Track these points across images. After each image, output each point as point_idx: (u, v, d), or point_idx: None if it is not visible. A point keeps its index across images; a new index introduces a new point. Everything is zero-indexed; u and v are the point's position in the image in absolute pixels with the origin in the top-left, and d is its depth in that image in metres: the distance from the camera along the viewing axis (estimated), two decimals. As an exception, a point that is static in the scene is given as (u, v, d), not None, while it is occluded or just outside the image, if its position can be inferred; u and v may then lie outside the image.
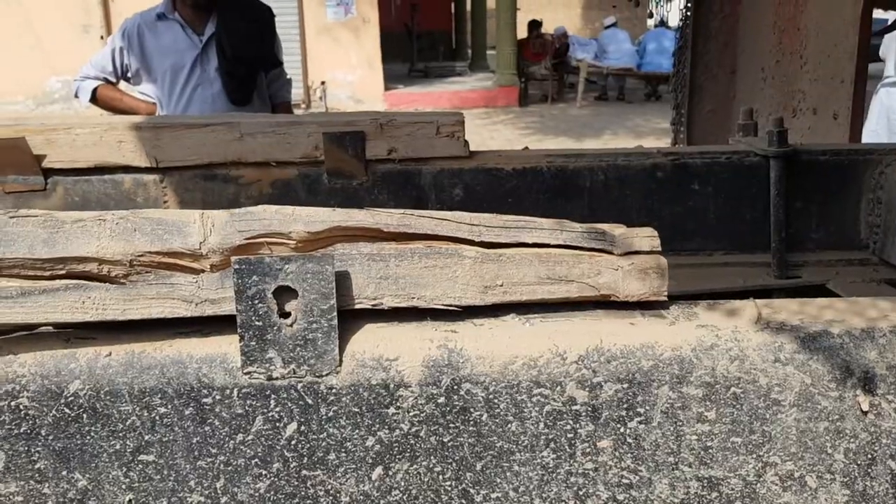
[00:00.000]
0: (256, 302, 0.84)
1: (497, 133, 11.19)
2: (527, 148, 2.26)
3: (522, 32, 14.20)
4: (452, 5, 18.30)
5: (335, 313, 0.85)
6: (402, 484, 0.87)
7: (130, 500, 0.89)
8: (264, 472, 0.88)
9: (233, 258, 0.84)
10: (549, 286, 0.90)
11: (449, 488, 0.87)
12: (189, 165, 1.96)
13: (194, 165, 1.96)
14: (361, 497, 0.87)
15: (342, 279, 0.87)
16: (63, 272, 0.87)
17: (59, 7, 11.37)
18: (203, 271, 0.88)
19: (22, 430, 0.88)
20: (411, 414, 0.85)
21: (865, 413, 0.86)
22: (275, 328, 0.85)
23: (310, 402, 0.86)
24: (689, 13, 3.10)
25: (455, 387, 0.85)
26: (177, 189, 1.98)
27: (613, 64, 13.63)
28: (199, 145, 1.94)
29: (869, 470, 0.87)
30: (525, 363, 0.85)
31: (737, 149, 1.97)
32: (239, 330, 0.85)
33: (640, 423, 0.86)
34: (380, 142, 1.95)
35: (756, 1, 2.97)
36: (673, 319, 0.90)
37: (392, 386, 0.85)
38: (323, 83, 12.51)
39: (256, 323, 0.85)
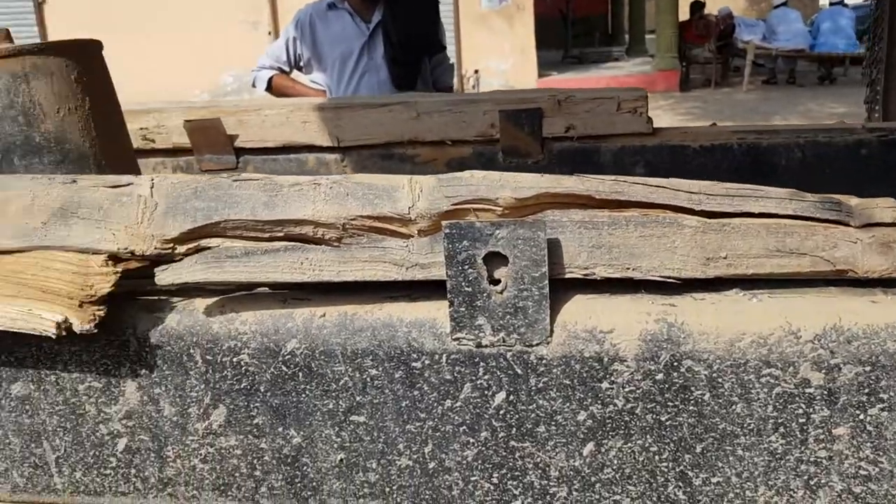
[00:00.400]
0: (466, 267, 0.83)
1: (656, 119, 10.77)
2: (714, 124, 2.14)
3: (683, 15, 13.64)
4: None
5: (546, 281, 0.82)
6: (616, 462, 0.82)
7: (342, 459, 0.90)
8: (472, 440, 0.87)
9: (443, 222, 0.82)
10: (779, 259, 0.82)
11: (665, 469, 0.82)
12: (368, 144, 2.00)
13: (373, 144, 1.99)
14: (571, 472, 0.84)
15: (553, 247, 0.84)
16: (281, 234, 0.89)
17: (230, 5, 12.06)
18: (411, 236, 0.87)
19: (242, 386, 0.91)
20: (626, 389, 0.81)
21: None
22: (484, 294, 0.83)
23: (519, 371, 0.84)
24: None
25: (675, 363, 0.80)
26: (356, 168, 2.02)
27: (783, 45, 12.80)
28: (378, 125, 1.97)
29: None
30: (753, 341, 0.78)
31: (959, 123, 1.78)
32: (449, 295, 0.84)
33: (882, 409, 0.77)
34: (557, 119, 1.90)
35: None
36: None
37: (606, 360, 0.81)
38: (476, 72, 12.57)
39: (466, 289, 0.83)
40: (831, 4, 13.40)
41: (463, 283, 0.83)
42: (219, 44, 11.85)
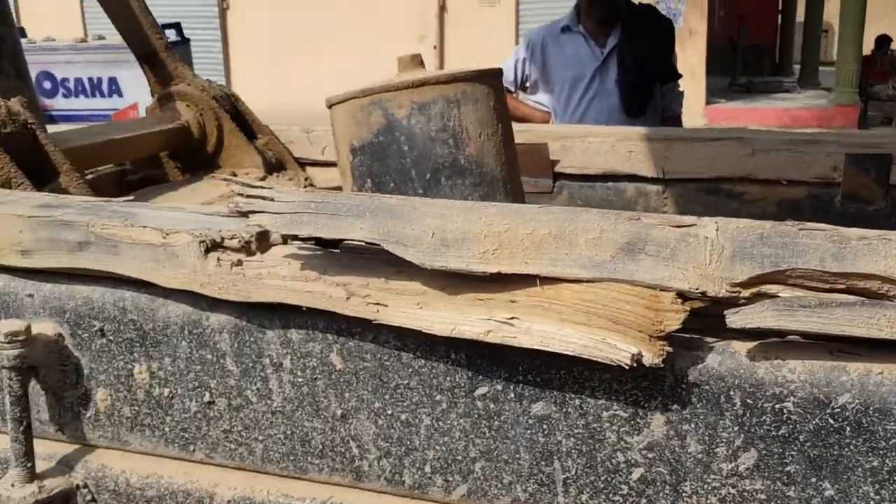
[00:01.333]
0: None
1: (832, 156, 10.31)
2: None
3: (865, 48, 12.96)
4: (779, 17, 17.20)
5: None
6: None
7: None
8: None
9: None
10: None
11: None
12: (694, 178, 1.99)
13: (700, 178, 1.98)
14: None
15: None
16: (843, 286, 0.88)
17: (399, 19, 12.41)
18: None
19: (780, 433, 0.91)
20: None
21: None
22: None
23: None
24: None
25: None
26: (678, 201, 2.02)
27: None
28: (708, 159, 1.96)
29: None
30: None
31: None
32: None
33: None
34: (908, 166, 1.83)
35: None
36: None
37: None
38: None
39: None
40: None
41: None
42: (387, 57, 12.22)
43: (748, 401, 0.92)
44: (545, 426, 1.01)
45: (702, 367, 0.94)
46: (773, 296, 0.90)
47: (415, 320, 0.99)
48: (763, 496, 0.94)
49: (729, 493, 0.95)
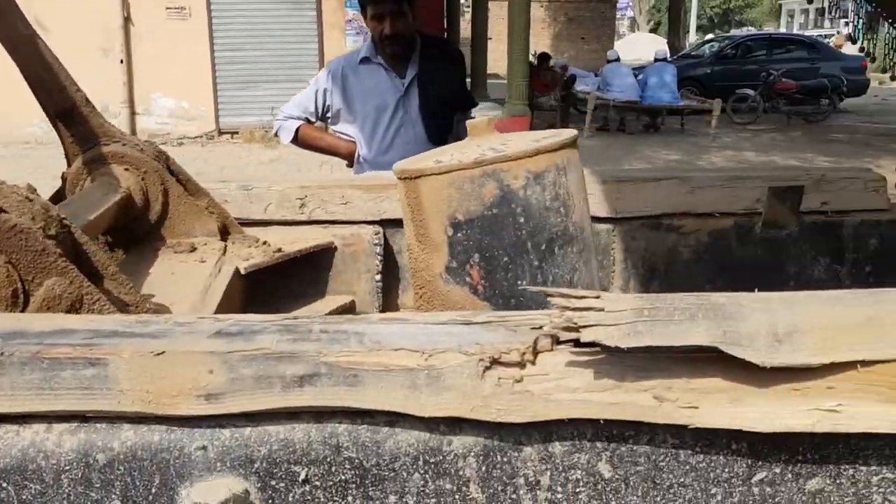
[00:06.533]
0: None
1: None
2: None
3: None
4: (445, 34, 18.61)
5: None
6: None
7: None
8: None
9: None
10: None
11: None
12: (642, 216, 2.12)
13: (647, 216, 2.12)
14: None
15: None
16: None
17: (82, 30, 11.17)
18: None
19: None
20: None
21: None
22: None
23: None
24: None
25: None
26: (625, 237, 2.13)
27: (618, 97, 14.09)
28: (655, 197, 2.11)
29: None
30: None
31: None
32: None
33: None
34: (815, 195, 2.15)
35: None
36: None
37: None
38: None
39: None
40: (656, 61, 14.95)
41: None
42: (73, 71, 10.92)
43: None
44: (818, 500, 1.03)
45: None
46: None
47: (733, 419, 0.95)
48: None
49: None
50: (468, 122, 1.48)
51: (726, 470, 1.02)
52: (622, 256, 2.16)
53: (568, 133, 1.43)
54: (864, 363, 0.98)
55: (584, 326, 0.90)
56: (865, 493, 1.03)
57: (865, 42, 3.91)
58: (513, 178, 1.32)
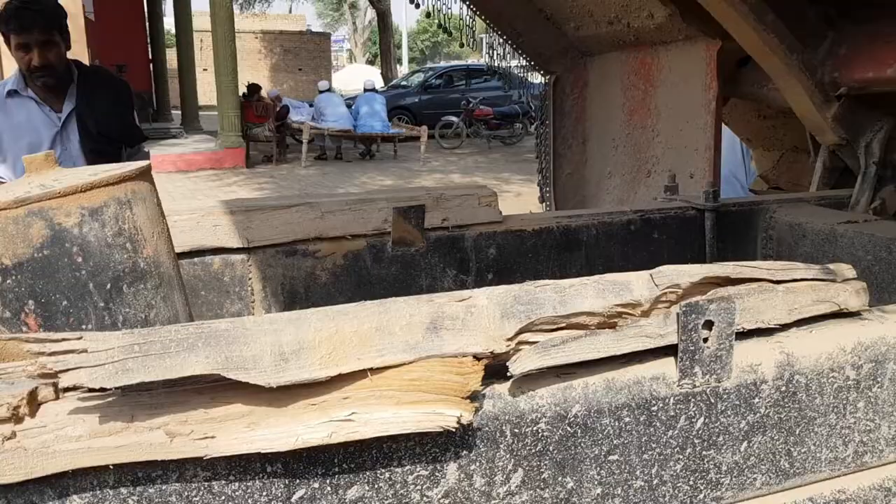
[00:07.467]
0: (692, 333, 1.25)
1: (233, 194, 11.19)
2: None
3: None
4: (151, 66, 17.75)
5: (734, 336, 1.28)
6: (758, 451, 1.32)
7: (599, 493, 1.22)
8: (681, 456, 1.28)
9: (681, 303, 1.24)
10: (818, 305, 1.42)
11: (781, 449, 1.34)
12: (275, 243, 2.14)
13: (280, 243, 2.14)
14: (734, 464, 1.31)
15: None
16: (564, 325, 1.20)
17: None
18: (646, 315, 1.26)
19: (537, 449, 1.18)
20: (766, 401, 1.31)
21: None
22: (700, 351, 1.26)
23: (712, 401, 1.28)
24: (546, 97, 3.84)
25: (791, 378, 1.33)
26: (261, 266, 2.14)
27: (332, 126, 14.34)
28: (286, 224, 2.14)
29: None
30: (826, 356, 1.36)
31: (681, 205, 2.67)
32: (679, 354, 1.25)
33: (878, 388, 1.41)
34: (436, 212, 2.31)
35: (601, 87, 3.78)
36: (880, 320, 1.48)
37: (757, 382, 1.31)
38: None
39: (690, 348, 1.25)
40: (366, 91, 15.43)
41: (689, 344, 1.26)
42: None
43: (515, 430, 1.16)
44: None
45: (482, 413, 1.14)
46: (532, 343, 1.16)
47: (251, 443, 0.97)
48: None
49: None
50: (24, 158, 1.39)
51: (264, 494, 1.03)
52: (260, 286, 2.17)
53: (136, 165, 1.39)
54: (374, 370, 1.05)
55: (63, 371, 0.86)
56: (404, 492, 1.10)
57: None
58: (64, 216, 1.26)
